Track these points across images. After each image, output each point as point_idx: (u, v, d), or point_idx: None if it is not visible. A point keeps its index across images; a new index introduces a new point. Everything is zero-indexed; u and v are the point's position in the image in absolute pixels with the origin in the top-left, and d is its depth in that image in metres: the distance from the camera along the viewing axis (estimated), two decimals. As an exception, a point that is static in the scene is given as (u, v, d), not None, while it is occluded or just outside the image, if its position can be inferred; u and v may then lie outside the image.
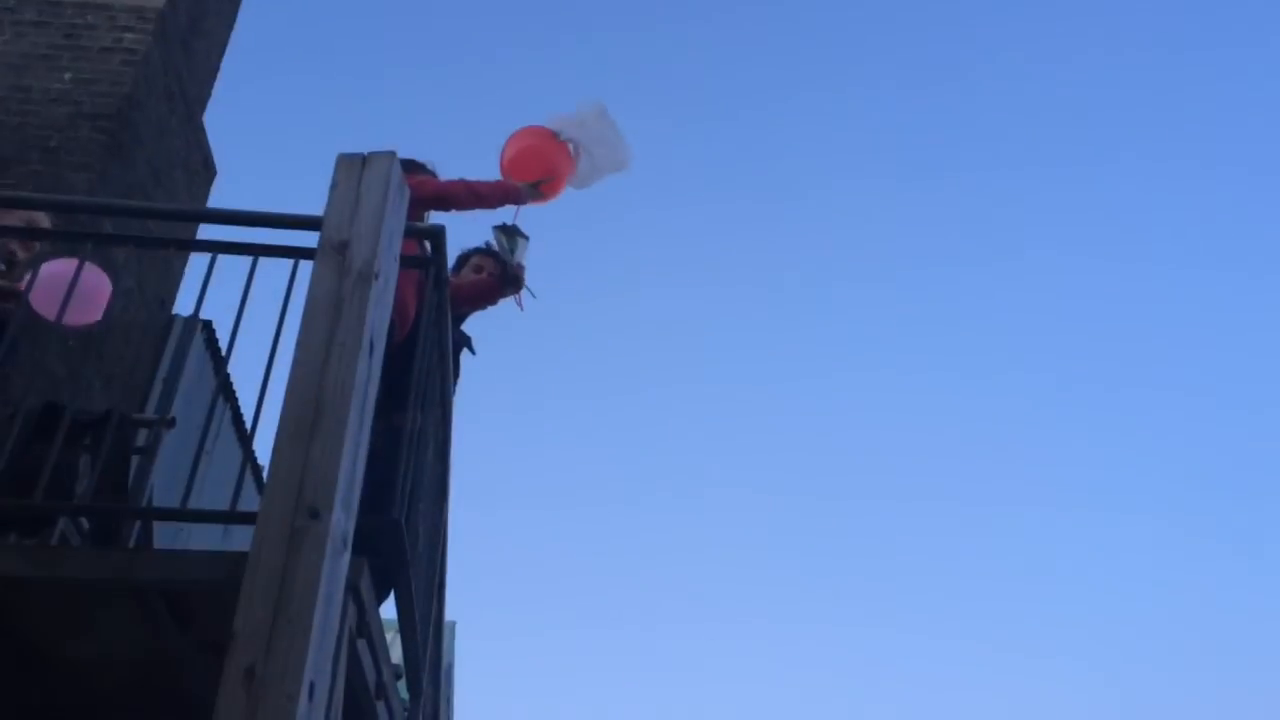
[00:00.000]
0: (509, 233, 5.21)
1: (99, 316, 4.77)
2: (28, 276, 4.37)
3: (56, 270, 4.13)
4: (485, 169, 5.30)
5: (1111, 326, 35.76)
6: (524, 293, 5.20)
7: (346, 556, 2.78)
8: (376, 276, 3.17)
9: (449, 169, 5.26)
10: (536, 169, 5.23)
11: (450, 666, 14.34)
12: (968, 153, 34.81)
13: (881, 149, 35.66)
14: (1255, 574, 37.19)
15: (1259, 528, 35.95)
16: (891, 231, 35.42)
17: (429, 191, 4.86)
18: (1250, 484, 36.99)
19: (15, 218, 4.56)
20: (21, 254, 4.70)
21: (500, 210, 5.20)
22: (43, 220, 4.69)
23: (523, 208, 5.23)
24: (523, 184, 5.16)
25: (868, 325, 38.08)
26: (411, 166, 5.00)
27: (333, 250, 3.18)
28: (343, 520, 2.73)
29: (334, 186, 3.35)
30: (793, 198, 35.79)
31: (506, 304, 5.27)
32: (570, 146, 5.32)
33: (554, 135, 5.30)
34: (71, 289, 3.62)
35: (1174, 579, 39.01)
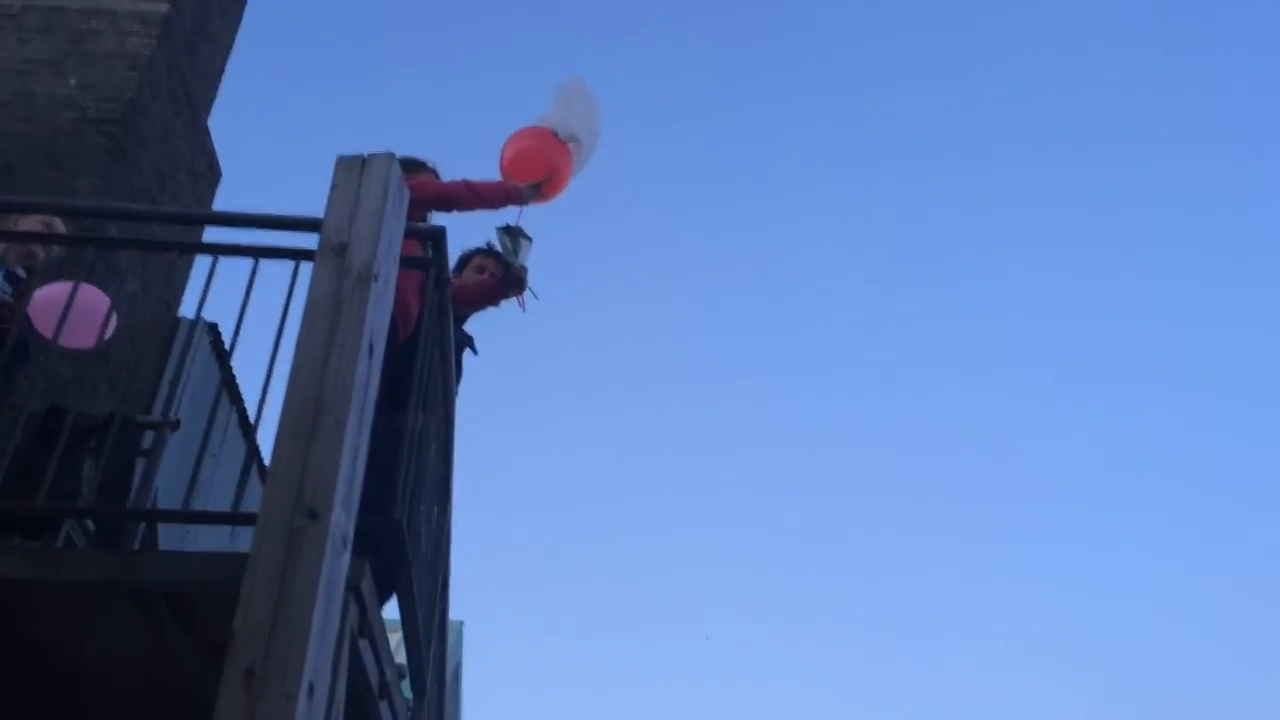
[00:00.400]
0: (512, 234, 5.19)
1: (92, 342, 4.80)
2: (33, 293, 4.40)
3: (53, 293, 4.16)
4: (487, 169, 5.30)
5: (1111, 325, 35.67)
6: (526, 294, 5.19)
7: (346, 557, 2.79)
8: (376, 278, 3.17)
9: (451, 169, 5.27)
10: (538, 169, 5.21)
11: (459, 666, 14.37)
12: (968, 151, 34.74)
13: (882, 147, 35.61)
14: (1257, 574, 37.05)
15: (1262, 528, 35.82)
16: (892, 230, 35.37)
17: (430, 193, 4.86)
18: (1253, 484, 36.84)
19: (34, 221, 4.60)
20: (42, 255, 4.75)
21: (503, 211, 5.20)
22: (59, 224, 4.72)
23: (526, 208, 5.21)
24: (524, 185, 5.13)
25: (868, 324, 38.02)
26: (412, 165, 5.00)
27: (332, 252, 3.19)
28: (342, 521, 2.74)
29: (334, 188, 3.35)
30: (792, 196, 35.76)
31: (509, 305, 5.27)
32: (570, 145, 5.29)
33: (554, 134, 5.27)
34: (67, 312, 3.62)
35: (1176, 579, 38.91)
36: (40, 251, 4.73)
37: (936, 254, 35.24)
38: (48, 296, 4.14)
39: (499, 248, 5.24)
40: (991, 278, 35.93)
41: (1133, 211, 34.13)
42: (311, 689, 2.47)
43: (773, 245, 36.31)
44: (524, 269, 5.16)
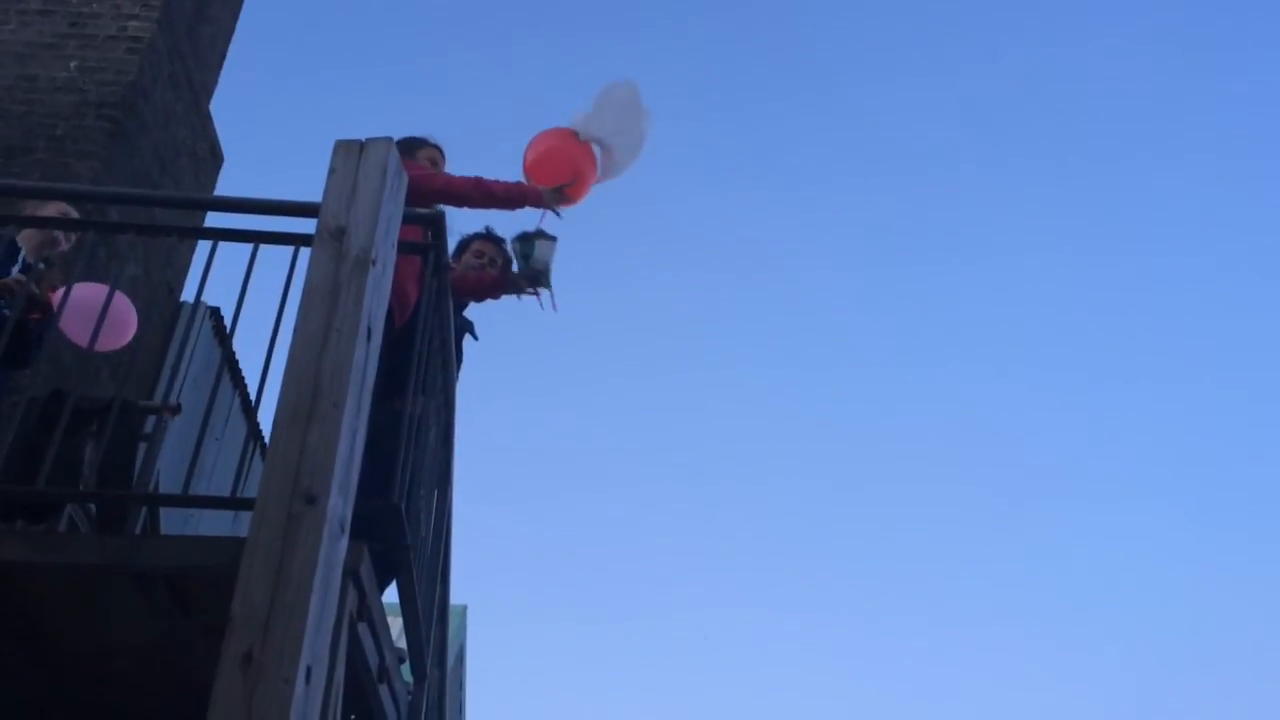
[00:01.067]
0: (526, 241, 5.03)
1: (128, 339, 4.84)
2: (60, 293, 4.41)
3: (86, 296, 4.16)
4: (494, 158, 5.22)
5: (1122, 319, 35.59)
6: (550, 295, 5.03)
7: (344, 541, 2.80)
8: (374, 262, 3.17)
9: (456, 156, 5.16)
10: (561, 173, 4.99)
11: (463, 649, 14.41)
12: (973, 145, 34.65)
13: (887, 141, 35.55)
14: (1259, 567, 37.03)
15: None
16: (897, 224, 35.32)
17: (438, 185, 4.72)
18: (1269, 476, 36.72)
19: (52, 208, 4.61)
20: (65, 243, 4.75)
21: (520, 213, 5.00)
22: (73, 213, 4.73)
23: (547, 212, 5.00)
24: (545, 189, 4.93)
25: (874, 316, 37.98)
26: (414, 144, 4.95)
27: (330, 236, 3.19)
28: (340, 505, 2.74)
29: (331, 172, 3.34)
30: (795, 189, 35.77)
31: (511, 300, 5.11)
32: (595, 148, 5.08)
33: (575, 135, 5.06)
34: (101, 317, 3.63)
35: (1190, 571, 38.95)
36: (64, 240, 4.74)
37: (941, 248, 35.22)
38: (79, 302, 4.12)
39: (511, 256, 5.08)
40: (996, 270, 35.95)
41: (1137, 206, 34.14)
42: (309, 673, 2.49)
43: (778, 238, 36.33)
44: (544, 270, 4.98)
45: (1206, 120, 32.82)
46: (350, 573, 2.91)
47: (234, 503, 3.40)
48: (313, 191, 3.39)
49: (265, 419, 3.56)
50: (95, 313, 3.70)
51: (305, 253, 3.34)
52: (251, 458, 7.28)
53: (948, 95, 33.71)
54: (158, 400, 6.51)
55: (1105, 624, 36.88)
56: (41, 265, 4.58)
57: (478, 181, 4.80)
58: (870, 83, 35.34)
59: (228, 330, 3.84)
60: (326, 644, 2.64)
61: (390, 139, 3.45)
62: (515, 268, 5.11)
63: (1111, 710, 36.55)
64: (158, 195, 6.80)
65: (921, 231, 34.70)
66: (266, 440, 6.38)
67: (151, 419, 4.86)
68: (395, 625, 3.89)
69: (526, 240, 5.04)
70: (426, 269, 3.84)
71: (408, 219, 3.56)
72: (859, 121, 34.67)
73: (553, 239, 5.05)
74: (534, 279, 5.02)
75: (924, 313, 36.13)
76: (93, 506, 4.70)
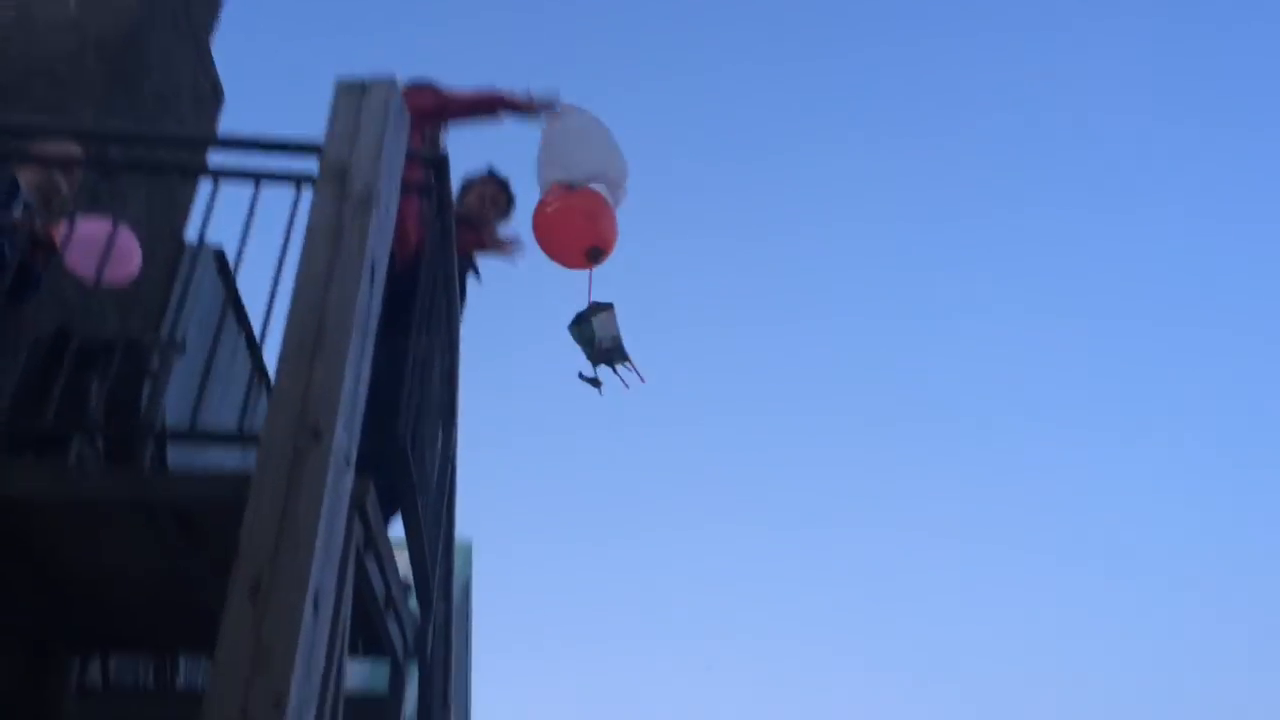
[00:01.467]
0: (581, 322, 4.65)
1: (134, 270, 4.88)
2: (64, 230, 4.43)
3: (88, 231, 4.19)
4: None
5: (1113, 267, 35.43)
6: (633, 368, 4.66)
7: (350, 476, 2.85)
8: (377, 202, 3.19)
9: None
10: (584, 236, 4.78)
11: (468, 584, 14.57)
12: (961, 103, 34.30)
13: (876, 99, 35.28)
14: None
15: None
16: (894, 180, 35.05)
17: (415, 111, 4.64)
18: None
19: (55, 150, 4.61)
20: (66, 186, 4.76)
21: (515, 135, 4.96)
22: (76, 151, 4.73)
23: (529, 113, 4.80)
24: (523, 91, 4.74)
25: (872, 267, 37.78)
26: (419, 86, 4.93)
27: (332, 176, 3.20)
28: (344, 440, 2.79)
29: (333, 112, 3.36)
30: (783, 185, 35.65)
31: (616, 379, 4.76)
32: (596, 187, 4.92)
33: (568, 188, 4.81)
34: (107, 250, 3.67)
35: (1192, 570, 39.20)
36: (64, 184, 4.74)
37: (938, 202, 35.02)
38: (83, 236, 4.14)
39: (513, 196, 4.89)
40: (995, 227, 35.86)
41: (1132, 161, 33.95)
42: (317, 601, 2.55)
43: (769, 234, 36.24)
44: (615, 341, 4.61)
45: (1207, 117, 32.60)
46: (356, 506, 2.98)
47: (241, 438, 3.46)
48: (316, 130, 3.40)
49: (270, 359, 3.61)
50: (99, 246, 3.74)
51: (309, 193, 3.37)
52: (257, 395, 7.35)
53: (937, 49, 33.37)
54: (163, 339, 6.55)
55: (1106, 624, 37.23)
56: (43, 203, 4.60)
57: (441, 97, 4.65)
58: (854, 54, 35.03)
59: (231, 269, 3.87)
60: (334, 575, 2.70)
61: (393, 78, 3.46)
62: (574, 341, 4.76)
63: (1112, 710, 36.92)
64: (159, 133, 6.79)
65: (920, 186, 34.41)
66: (272, 379, 6.42)
67: (156, 356, 4.90)
68: (402, 559, 3.97)
69: (582, 323, 4.66)
70: (429, 208, 3.86)
71: (409, 158, 3.58)
72: (837, 84, 34.40)
73: (608, 307, 4.67)
74: (608, 359, 4.62)
75: (922, 261, 36.07)
76: (101, 444, 4.77)
